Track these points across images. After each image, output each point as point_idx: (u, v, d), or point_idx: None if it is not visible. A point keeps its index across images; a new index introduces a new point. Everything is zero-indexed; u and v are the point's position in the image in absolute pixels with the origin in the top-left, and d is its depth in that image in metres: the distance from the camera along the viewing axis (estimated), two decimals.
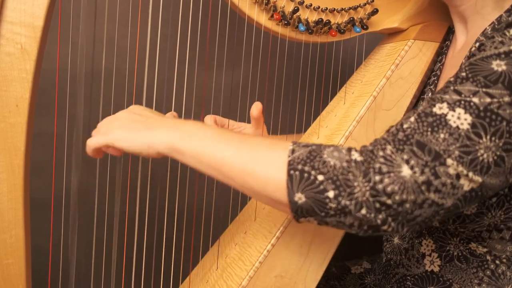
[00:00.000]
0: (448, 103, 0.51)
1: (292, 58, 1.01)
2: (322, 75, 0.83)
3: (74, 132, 0.75)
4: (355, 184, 0.48)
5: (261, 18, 0.75)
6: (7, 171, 0.62)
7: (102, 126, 0.62)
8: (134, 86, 0.76)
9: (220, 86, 1.08)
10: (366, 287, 0.85)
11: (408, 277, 0.73)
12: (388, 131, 0.53)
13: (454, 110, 0.50)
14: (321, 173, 0.49)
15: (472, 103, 0.50)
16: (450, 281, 0.68)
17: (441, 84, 0.74)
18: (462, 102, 0.50)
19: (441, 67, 0.76)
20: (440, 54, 0.78)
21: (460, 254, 0.68)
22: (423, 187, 0.48)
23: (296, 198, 0.50)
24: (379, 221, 0.48)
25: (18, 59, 0.61)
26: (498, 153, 0.49)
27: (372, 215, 0.48)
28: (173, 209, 0.78)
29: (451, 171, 0.48)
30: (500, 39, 0.53)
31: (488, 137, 0.49)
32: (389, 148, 0.50)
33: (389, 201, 0.48)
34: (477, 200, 0.51)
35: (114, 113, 0.76)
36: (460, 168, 0.48)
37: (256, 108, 0.78)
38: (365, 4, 0.78)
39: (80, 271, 0.84)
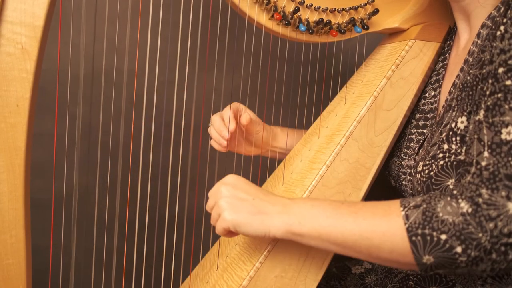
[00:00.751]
0: None
1: (292, 59, 1.01)
2: (322, 75, 0.83)
3: (75, 132, 0.75)
4: (480, 235, 0.50)
5: (262, 18, 0.75)
6: (7, 171, 0.62)
7: (214, 208, 0.63)
8: (134, 87, 0.76)
9: (221, 87, 1.08)
10: (366, 287, 0.85)
11: (411, 277, 0.73)
12: (469, 172, 0.53)
13: None
14: (443, 232, 0.51)
15: None
16: (453, 281, 0.68)
17: (446, 84, 0.74)
18: None
19: (445, 66, 0.76)
20: (442, 54, 0.78)
21: None
22: None
23: (424, 260, 0.52)
24: (510, 260, 0.50)
25: (19, 59, 0.61)
26: None
27: (502, 257, 0.50)
28: (174, 209, 0.78)
29: None
30: None
31: None
32: (484, 192, 0.51)
33: (511, 240, 0.49)
34: None
35: (114, 113, 0.76)
36: None
37: (244, 120, 0.80)
38: (365, 4, 0.78)
39: (80, 271, 0.84)
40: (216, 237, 0.82)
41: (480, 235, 0.50)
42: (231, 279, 0.68)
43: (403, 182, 0.75)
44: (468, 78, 0.61)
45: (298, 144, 0.84)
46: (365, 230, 0.56)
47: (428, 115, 0.74)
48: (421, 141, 0.73)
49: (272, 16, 0.75)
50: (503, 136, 0.51)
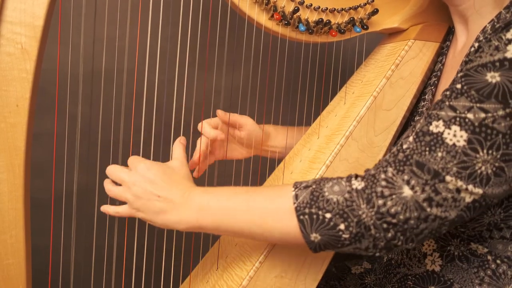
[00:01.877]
0: (444, 121, 0.52)
1: (292, 59, 1.01)
2: (322, 75, 0.84)
3: (75, 132, 0.75)
4: (360, 212, 0.52)
5: (261, 18, 0.75)
6: (7, 171, 0.62)
7: (121, 189, 0.66)
8: (134, 87, 0.76)
9: (220, 86, 1.08)
10: (366, 287, 0.85)
11: (409, 277, 0.73)
12: (390, 151, 0.55)
13: (450, 128, 0.52)
14: (327, 211, 0.54)
15: (467, 119, 0.51)
16: (451, 280, 0.68)
17: (441, 85, 0.74)
18: (458, 118, 0.52)
19: (441, 67, 0.76)
20: (441, 55, 0.78)
21: (461, 254, 0.68)
22: (424, 204, 0.51)
23: (312, 238, 0.55)
24: (389, 238, 0.52)
25: (18, 59, 0.61)
26: (496, 164, 0.50)
27: (382, 234, 0.52)
28: None
29: (451, 186, 0.51)
30: (496, 43, 0.53)
31: (485, 151, 0.50)
32: (390, 170, 0.53)
33: (394, 220, 0.51)
34: (482, 209, 0.53)
35: (114, 113, 0.76)
36: (460, 183, 0.50)
37: (220, 117, 0.82)
38: (365, 4, 0.78)
39: (80, 270, 0.84)
40: (216, 237, 0.82)
41: (361, 212, 0.52)
42: (231, 279, 0.68)
43: None
44: None
45: (297, 144, 0.84)
46: (258, 216, 0.58)
47: None
48: None
49: (272, 16, 0.75)
50: (431, 128, 0.53)
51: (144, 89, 0.72)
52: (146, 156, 0.70)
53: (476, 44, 0.63)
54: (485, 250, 0.66)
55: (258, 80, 0.89)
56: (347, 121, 0.74)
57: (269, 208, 0.58)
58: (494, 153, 0.50)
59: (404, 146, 0.54)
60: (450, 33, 0.79)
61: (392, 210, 0.51)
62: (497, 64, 0.51)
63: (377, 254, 0.55)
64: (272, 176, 0.85)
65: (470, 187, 0.51)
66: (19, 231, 0.64)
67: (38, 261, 0.77)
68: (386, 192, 0.52)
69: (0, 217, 0.63)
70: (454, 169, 0.50)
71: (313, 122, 0.86)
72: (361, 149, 0.72)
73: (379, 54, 0.83)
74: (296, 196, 0.56)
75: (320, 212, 0.54)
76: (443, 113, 0.53)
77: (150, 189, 0.63)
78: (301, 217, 0.55)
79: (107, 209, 0.67)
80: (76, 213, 0.73)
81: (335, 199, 0.54)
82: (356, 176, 0.55)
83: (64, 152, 0.85)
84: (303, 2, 0.75)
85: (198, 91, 1.05)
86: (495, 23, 0.61)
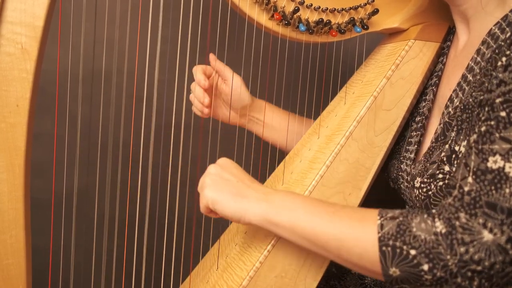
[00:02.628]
0: (500, 155, 0.51)
1: (292, 59, 1.01)
2: (322, 75, 0.83)
3: (75, 132, 0.75)
4: (448, 257, 0.50)
5: (262, 18, 0.75)
6: (7, 171, 0.62)
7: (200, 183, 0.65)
8: (134, 87, 0.76)
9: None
10: (366, 287, 0.85)
11: None
12: (451, 195, 0.53)
13: (510, 161, 0.50)
14: (413, 247, 0.52)
15: None
16: None
17: (442, 85, 0.74)
18: None
19: (442, 67, 0.76)
20: (442, 55, 0.78)
21: None
22: (508, 246, 0.49)
23: (390, 272, 0.53)
24: (475, 286, 0.51)
25: (19, 59, 0.61)
26: None
27: (467, 282, 0.50)
28: (174, 209, 0.78)
29: None
30: None
31: None
32: (462, 215, 0.51)
33: (479, 268, 0.50)
34: None
35: (114, 114, 0.76)
36: None
37: (211, 59, 0.82)
38: (365, 4, 0.78)
39: (80, 271, 0.84)
40: (216, 237, 0.82)
41: (449, 257, 0.50)
42: (231, 279, 0.68)
43: (401, 186, 0.75)
44: (470, 100, 0.61)
45: (298, 144, 0.84)
46: (339, 232, 0.57)
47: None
48: (417, 146, 0.73)
49: (272, 16, 0.75)
50: (489, 164, 0.51)
51: (144, 90, 0.72)
52: (146, 156, 0.70)
53: (485, 49, 0.62)
54: None
55: (258, 80, 0.89)
56: (347, 121, 0.74)
57: (353, 229, 0.56)
58: None
59: (466, 189, 0.52)
60: (450, 33, 0.79)
61: (476, 257, 0.49)
62: None
63: None
64: (272, 176, 0.85)
65: None
66: (19, 231, 0.64)
67: (38, 261, 0.77)
68: (467, 238, 0.50)
69: (0, 217, 0.63)
70: None
71: (313, 122, 0.86)
72: (361, 149, 0.72)
73: (379, 54, 0.83)
74: (382, 226, 0.54)
75: (404, 247, 0.52)
76: (497, 146, 0.51)
77: (230, 173, 0.63)
78: (383, 248, 0.53)
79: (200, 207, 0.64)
80: (76, 213, 0.73)
81: (422, 237, 0.52)
82: (438, 216, 0.53)
83: (64, 152, 0.85)
84: (303, 2, 0.75)
85: None
86: (504, 26, 0.61)
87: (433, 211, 0.55)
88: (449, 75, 0.73)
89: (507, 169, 0.50)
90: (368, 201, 0.73)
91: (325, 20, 0.76)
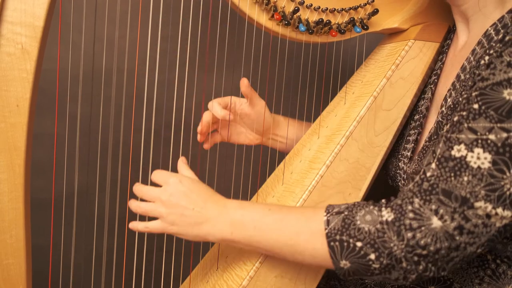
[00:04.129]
0: (465, 144, 0.52)
1: (292, 59, 1.01)
2: (322, 75, 0.84)
3: (75, 132, 0.75)
4: (391, 244, 0.52)
5: (262, 18, 0.75)
6: (7, 171, 0.62)
7: (151, 205, 0.65)
8: (134, 87, 0.76)
9: (221, 86, 1.08)
10: (366, 287, 0.85)
11: None
12: (413, 180, 0.55)
13: (472, 151, 0.51)
14: (359, 240, 0.54)
15: (489, 141, 0.50)
16: (451, 280, 0.68)
17: (441, 83, 0.74)
18: (479, 141, 0.51)
19: (441, 66, 0.76)
20: (441, 53, 0.78)
21: None
22: (455, 233, 0.50)
23: (341, 265, 0.55)
24: (420, 271, 0.52)
25: (19, 59, 0.61)
26: None
27: (413, 266, 0.52)
28: None
29: (480, 212, 0.50)
30: (508, 59, 0.52)
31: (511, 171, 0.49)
32: (416, 201, 0.52)
33: (424, 252, 0.51)
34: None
35: (114, 113, 0.76)
36: (489, 207, 0.50)
37: (242, 84, 0.80)
38: (365, 4, 0.78)
39: (80, 271, 0.84)
40: None
41: (393, 244, 0.52)
42: (231, 279, 0.68)
43: (399, 184, 0.75)
44: (460, 99, 0.62)
45: (298, 144, 0.84)
46: (289, 237, 0.59)
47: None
48: (413, 145, 0.73)
49: (272, 16, 0.75)
50: (453, 152, 0.52)
51: (144, 89, 0.72)
52: (146, 156, 0.70)
53: (478, 49, 0.63)
54: (485, 250, 0.66)
55: (258, 81, 0.89)
56: (347, 121, 0.74)
57: (301, 231, 0.58)
58: None
59: (428, 174, 0.53)
60: (450, 32, 0.79)
61: (422, 242, 0.51)
62: None
63: (407, 284, 0.55)
64: (272, 176, 0.85)
65: (500, 210, 0.50)
66: (19, 231, 0.64)
67: (38, 261, 0.77)
68: (415, 224, 0.51)
69: (0, 217, 0.63)
70: (482, 192, 0.50)
71: (313, 122, 0.86)
72: (361, 149, 0.72)
73: (379, 54, 0.83)
74: (328, 222, 0.56)
75: (351, 240, 0.54)
76: (463, 136, 0.52)
77: (184, 202, 0.62)
78: (332, 243, 0.55)
79: (136, 225, 0.65)
80: (76, 213, 0.73)
81: (366, 229, 0.54)
82: (386, 205, 0.55)
83: (64, 152, 0.85)
84: (303, 2, 0.75)
85: (198, 91, 1.05)
86: (499, 28, 0.61)
87: (382, 200, 0.57)
88: (447, 74, 0.73)
89: (468, 158, 0.51)
90: (368, 200, 0.73)
91: (325, 20, 0.76)
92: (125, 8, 0.86)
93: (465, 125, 0.52)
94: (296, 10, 0.74)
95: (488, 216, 0.50)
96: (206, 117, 0.80)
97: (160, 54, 0.74)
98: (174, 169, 0.83)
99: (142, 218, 0.72)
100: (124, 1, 0.89)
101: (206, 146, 0.83)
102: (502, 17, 0.62)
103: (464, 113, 0.53)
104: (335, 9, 0.77)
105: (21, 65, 0.61)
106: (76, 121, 0.75)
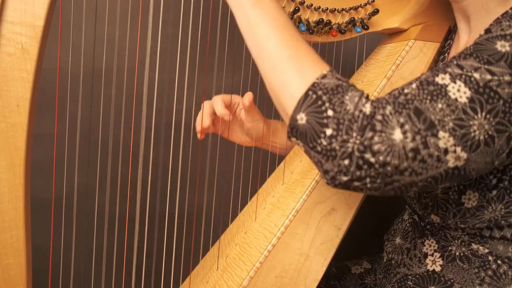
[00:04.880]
0: (450, 75, 0.51)
1: None
2: None
3: (75, 132, 0.75)
4: (354, 134, 0.49)
5: None
6: (7, 171, 0.62)
7: None
8: (134, 87, 0.76)
9: (221, 86, 1.08)
10: (366, 287, 0.85)
11: (409, 277, 0.73)
12: (390, 93, 0.53)
13: (455, 82, 0.51)
14: (333, 110, 0.51)
15: (472, 78, 0.50)
16: (452, 281, 0.68)
17: None
18: (463, 76, 0.51)
19: None
20: (442, 54, 0.78)
21: (462, 254, 0.68)
22: (409, 154, 0.48)
23: (298, 117, 0.52)
24: (355, 176, 0.50)
25: (19, 59, 0.61)
26: (490, 132, 0.49)
27: (352, 169, 0.49)
28: (173, 209, 0.78)
29: (441, 144, 0.48)
30: (507, 23, 0.53)
31: (484, 114, 0.49)
32: (388, 108, 0.50)
33: (372, 159, 0.48)
34: (458, 180, 0.52)
35: (114, 113, 0.76)
36: (451, 141, 0.49)
37: (246, 99, 0.80)
38: (365, 4, 0.78)
39: (80, 271, 0.84)
40: (216, 237, 0.82)
41: (354, 135, 0.49)
42: (231, 279, 0.68)
43: None
44: None
45: None
46: (287, 54, 0.55)
47: None
48: None
49: None
50: (436, 79, 0.52)
51: (144, 89, 0.72)
52: (146, 156, 0.70)
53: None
54: (486, 250, 0.66)
55: (258, 80, 0.88)
56: None
57: (302, 57, 0.55)
58: (491, 119, 0.49)
59: (406, 91, 0.52)
60: (452, 32, 0.79)
61: (376, 147, 0.48)
62: (508, 36, 0.52)
63: (329, 184, 0.52)
64: (272, 176, 0.85)
65: (459, 149, 0.49)
66: (19, 231, 0.64)
67: (38, 261, 0.77)
68: (378, 127, 0.49)
69: (0, 217, 0.63)
70: (451, 124, 0.49)
71: None
72: None
73: (379, 54, 0.83)
74: (324, 76, 0.53)
75: (327, 104, 0.51)
76: (450, 69, 0.52)
77: None
78: (310, 92, 0.52)
79: None
80: (76, 213, 0.73)
81: (348, 108, 0.50)
82: (368, 99, 0.52)
83: (64, 152, 0.85)
84: (304, 2, 0.75)
85: (198, 91, 1.04)
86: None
87: (370, 98, 0.54)
88: None
89: (449, 88, 0.51)
90: (368, 200, 0.73)
91: (325, 20, 0.76)
92: (125, 8, 0.86)
93: (455, 62, 0.53)
94: (296, 10, 0.74)
95: (446, 151, 0.49)
96: (207, 109, 0.79)
97: (160, 54, 0.74)
98: (174, 169, 0.83)
99: (143, 217, 0.73)
100: (124, 1, 0.89)
101: (200, 136, 0.82)
102: (506, 12, 0.62)
103: (457, 55, 0.54)
104: (335, 9, 0.77)
105: (21, 65, 0.61)
106: (76, 121, 0.75)
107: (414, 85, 0.52)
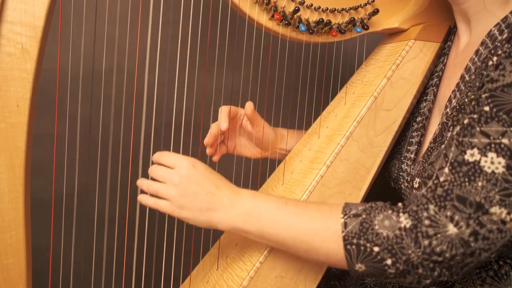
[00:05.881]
0: (478, 148, 0.51)
1: (292, 59, 1.01)
2: (322, 75, 0.83)
3: (75, 132, 0.75)
4: (409, 251, 0.52)
5: (262, 18, 0.75)
6: (7, 171, 0.62)
7: (161, 185, 0.64)
8: (134, 87, 0.76)
9: (221, 86, 1.08)
10: (366, 287, 0.85)
11: None
12: (425, 185, 0.55)
13: (486, 156, 0.51)
14: (376, 245, 0.54)
15: (502, 145, 0.50)
16: (452, 281, 0.68)
17: (443, 85, 0.74)
18: (493, 145, 0.51)
19: (443, 67, 0.76)
20: (442, 55, 0.78)
21: None
22: (470, 239, 0.50)
23: (356, 268, 0.55)
24: (435, 276, 0.53)
25: (19, 59, 0.61)
26: None
27: (428, 272, 0.53)
28: None
29: (495, 218, 0.50)
30: None
31: None
32: (431, 207, 0.52)
33: (440, 259, 0.51)
34: None
35: (114, 113, 0.76)
36: (504, 212, 0.50)
37: (248, 108, 0.80)
38: (365, 4, 0.78)
39: (80, 271, 0.84)
40: (216, 237, 0.82)
41: (410, 251, 0.52)
42: (231, 279, 0.68)
43: (402, 186, 0.75)
44: (466, 100, 0.62)
45: (298, 144, 0.84)
46: (304, 234, 0.58)
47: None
48: (417, 147, 0.73)
49: (272, 16, 0.75)
50: (466, 157, 0.52)
51: (144, 89, 0.72)
52: (146, 156, 0.70)
53: (482, 50, 0.63)
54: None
55: (258, 80, 0.89)
56: (347, 121, 0.74)
57: (317, 229, 0.58)
58: None
59: (441, 179, 0.53)
60: (451, 33, 0.79)
61: (438, 249, 0.51)
62: None
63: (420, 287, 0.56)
64: (272, 176, 0.85)
65: None
66: (19, 231, 0.64)
67: (38, 261, 0.77)
68: (431, 231, 0.51)
69: (0, 217, 0.63)
70: (497, 197, 0.50)
71: (313, 123, 0.86)
72: (361, 149, 0.72)
73: (379, 54, 0.83)
74: (345, 224, 0.56)
75: (368, 245, 0.54)
76: (476, 140, 0.52)
77: (197, 186, 0.62)
78: (348, 247, 0.55)
79: (146, 200, 0.64)
80: (76, 213, 0.73)
81: (385, 234, 0.53)
82: (403, 210, 0.55)
83: (64, 152, 0.85)
84: (304, 2, 0.75)
85: (198, 91, 1.04)
86: (503, 28, 0.61)
87: (399, 204, 0.56)
88: (449, 76, 0.73)
89: (482, 163, 0.51)
90: (368, 200, 0.73)
91: (325, 20, 0.76)
92: (125, 8, 0.86)
93: (477, 128, 0.52)
94: (296, 10, 0.74)
95: (503, 222, 0.50)
96: (213, 129, 0.80)
97: (160, 54, 0.74)
98: None
99: (143, 217, 0.72)
100: (124, 1, 0.89)
101: (215, 158, 0.83)
102: (506, 17, 0.61)
103: (475, 116, 0.53)
104: (335, 9, 0.77)
105: (21, 65, 0.61)
106: (76, 121, 0.75)
107: (446, 170, 0.53)
